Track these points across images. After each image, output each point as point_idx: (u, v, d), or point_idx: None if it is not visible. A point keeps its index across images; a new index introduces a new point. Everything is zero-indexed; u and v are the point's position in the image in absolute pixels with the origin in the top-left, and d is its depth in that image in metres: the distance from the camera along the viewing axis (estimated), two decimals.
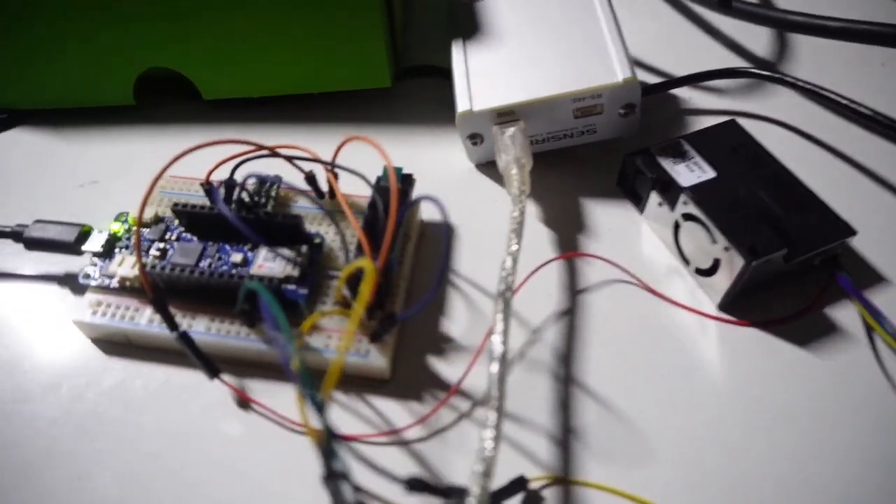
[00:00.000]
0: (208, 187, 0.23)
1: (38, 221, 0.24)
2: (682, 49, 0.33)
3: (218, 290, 0.21)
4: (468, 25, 0.28)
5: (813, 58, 0.32)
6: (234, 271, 0.21)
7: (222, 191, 0.23)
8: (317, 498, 0.17)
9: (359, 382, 0.21)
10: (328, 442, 0.15)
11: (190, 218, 0.23)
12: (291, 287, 0.21)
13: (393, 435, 0.20)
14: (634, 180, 0.25)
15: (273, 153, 0.22)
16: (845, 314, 0.23)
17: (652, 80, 0.31)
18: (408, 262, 0.23)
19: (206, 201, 0.23)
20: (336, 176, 0.23)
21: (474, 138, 0.26)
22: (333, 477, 0.15)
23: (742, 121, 0.26)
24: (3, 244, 0.24)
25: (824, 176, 0.25)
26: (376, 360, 0.20)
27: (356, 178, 0.22)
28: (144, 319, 0.21)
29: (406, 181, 0.24)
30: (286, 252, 0.22)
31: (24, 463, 0.20)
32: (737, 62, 0.32)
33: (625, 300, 0.23)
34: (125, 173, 0.28)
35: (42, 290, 0.24)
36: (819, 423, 0.20)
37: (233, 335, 0.21)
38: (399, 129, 0.29)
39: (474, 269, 0.24)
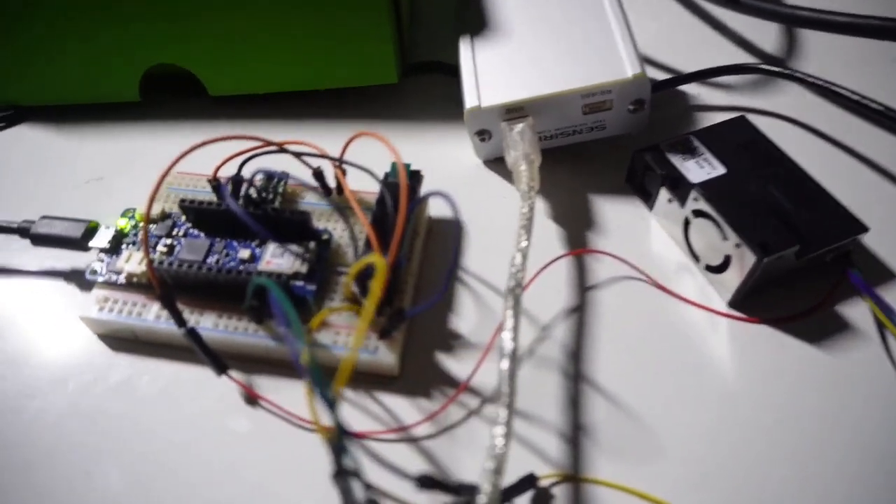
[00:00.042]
0: (216, 183, 0.23)
1: (44, 217, 0.23)
2: (690, 45, 0.33)
3: (226, 287, 0.21)
4: (476, 21, 0.28)
5: (822, 53, 0.32)
6: (241, 267, 0.21)
7: (230, 187, 0.22)
8: (326, 495, 0.17)
9: (367, 379, 0.21)
10: (339, 438, 0.15)
11: (198, 214, 0.23)
12: (300, 283, 0.21)
13: (402, 432, 0.20)
14: (644, 177, 0.25)
15: (281, 149, 0.22)
16: (857, 311, 0.22)
17: (661, 76, 0.31)
18: (416, 259, 0.23)
19: (212, 197, 0.23)
20: (344, 172, 0.23)
21: (482, 134, 0.26)
22: (344, 474, 0.15)
23: (751, 117, 0.26)
24: (9, 240, 0.24)
25: (835, 172, 0.25)
26: (385, 356, 0.20)
27: (363, 174, 0.22)
28: (151, 315, 0.21)
29: (414, 178, 0.24)
30: (294, 248, 0.22)
31: (31, 458, 0.20)
32: (745, 58, 0.32)
33: (634, 297, 0.23)
34: (129, 170, 0.28)
35: (49, 286, 0.24)
36: (830, 421, 0.20)
37: (241, 331, 0.21)
38: (406, 125, 0.29)
39: (482, 266, 0.24)
